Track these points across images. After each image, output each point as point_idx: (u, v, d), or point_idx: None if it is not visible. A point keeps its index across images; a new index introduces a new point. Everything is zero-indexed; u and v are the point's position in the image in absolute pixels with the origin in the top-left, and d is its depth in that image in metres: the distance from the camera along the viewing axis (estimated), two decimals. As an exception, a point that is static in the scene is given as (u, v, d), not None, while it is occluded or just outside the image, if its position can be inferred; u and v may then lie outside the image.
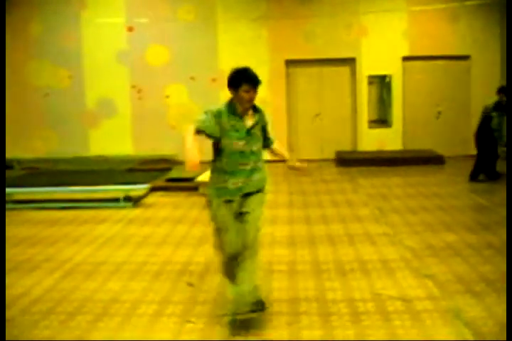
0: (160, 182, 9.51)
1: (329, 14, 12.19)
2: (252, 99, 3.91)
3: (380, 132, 12.63)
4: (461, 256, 5.21)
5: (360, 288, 4.45)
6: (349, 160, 11.67)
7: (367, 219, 6.85)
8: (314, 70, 12.66)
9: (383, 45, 12.26)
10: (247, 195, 3.95)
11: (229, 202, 3.89)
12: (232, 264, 3.87)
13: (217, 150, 3.94)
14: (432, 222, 6.59)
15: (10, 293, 4.56)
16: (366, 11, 12.17)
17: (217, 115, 3.85)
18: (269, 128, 4.14)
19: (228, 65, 12.23)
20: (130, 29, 12.51)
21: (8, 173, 11.56)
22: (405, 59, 12.34)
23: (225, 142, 3.88)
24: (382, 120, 13.01)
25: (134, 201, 8.14)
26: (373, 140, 12.54)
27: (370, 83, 12.61)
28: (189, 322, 3.86)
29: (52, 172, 11.52)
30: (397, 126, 12.56)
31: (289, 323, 3.80)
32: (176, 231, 6.46)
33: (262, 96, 12.38)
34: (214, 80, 11.82)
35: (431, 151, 12.00)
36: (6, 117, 12.72)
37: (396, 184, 9.40)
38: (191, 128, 3.74)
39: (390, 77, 12.46)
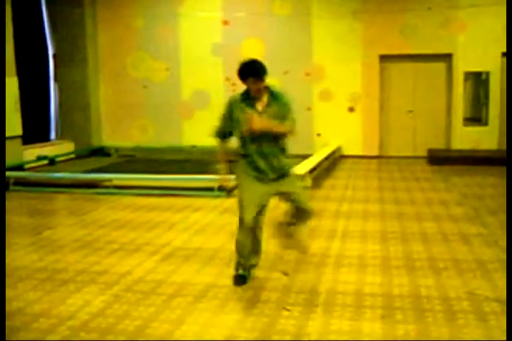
0: (251, 173, 9.68)
1: (426, 8, 11.94)
2: (259, 89, 4.22)
3: (475, 130, 12.27)
4: (562, 261, 5.05)
5: (454, 287, 4.41)
6: (442, 158, 11.43)
7: (461, 219, 6.74)
8: (409, 66, 12.47)
9: (482, 40, 11.86)
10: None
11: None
12: None
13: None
14: (530, 225, 6.39)
15: (115, 271, 4.87)
16: (465, 4, 11.82)
17: (229, 109, 4.33)
18: (290, 116, 4.35)
19: (322, 59, 12.47)
20: (225, 23, 12.76)
21: (106, 160, 12.17)
22: (505, 55, 11.90)
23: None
24: (476, 118, 12.62)
25: (228, 191, 8.35)
26: (468, 138, 12.21)
27: (465, 80, 12.27)
28: (285, 309, 3.98)
29: (148, 160, 11.99)
30: (493, 124, 12.16)
31: (383, 316, 3.84)
32: (268, 222, 6.58)
33: (355, 91, 12.49)
34: (308, 74, 11.87)
35: (529, 152, 11.55)
36: (95, 108, 13.34)
37: (491, 184, 9.15)
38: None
39: (487, 73, 12.08)
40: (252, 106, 4.27)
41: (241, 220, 4.36)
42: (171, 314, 3.92)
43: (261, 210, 4.43)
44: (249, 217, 4.29)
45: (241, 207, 4.35)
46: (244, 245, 4.48)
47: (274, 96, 4.32)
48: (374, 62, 12.35)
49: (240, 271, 4.58)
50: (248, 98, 4.29)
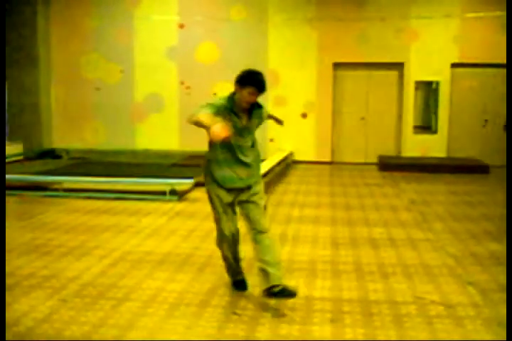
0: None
1: (380, 18, 12.18)
2: (251, 102, 4.08)
3: (424, 138, 12.57)
4: (505, 266, 5.19)
5: (402, 291, 4.50)
6: (392, 165, 11.66)
7: (409, 225, 6.88)
8: (362, 74, 12.68)
9: (433, 50, 12.19)
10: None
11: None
12: None
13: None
14: (476, 230, 6.58)
15: (63, 275, 4.78)
16: (418, 15, 12.12)
17: (218, 110, 3.98)
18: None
19: (277, 65, 12.55)
20: (181, 26, 12.72)
21: (57, 162, 11.91)
22: (455, 65, 12.25)
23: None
24: (426, 126, 12.94)
25: (180, 195, 8.32)
26: (417, 146, 12.49)
27: (416, 88, 12.57)
28: (235, 314, 3.98)
29: (99, 163, 11.80)
30: (442, 132, 12.48)
31: (333, 320, 3.89)
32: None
33: (309, 97, 12.62)
34: (262, 80, 11.92)
35: (476, 160, 11.90)
36: (46, 109, 13.11)
37: (439, 191, 9.37)
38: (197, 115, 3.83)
39: (437, 83, 12.39)
40: (239, 117, 4.09)
41: (221, 232, 4.30)
42: (120, 319, 3.87)
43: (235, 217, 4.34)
44: (227, 226, 4.26)
45: (217, 219, 4.30)
46: (233, 257, 4.42)
47: (256, 110, 4.18)
48: (328, 70, 12.51)
49: (239, 277, 4.52)
50: (234, 107, 4.08)
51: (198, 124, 3.74)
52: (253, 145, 4.26)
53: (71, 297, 4.27)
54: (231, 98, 4.11)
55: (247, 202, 4.21)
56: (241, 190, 4.22)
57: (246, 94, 4.02)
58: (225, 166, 4.16)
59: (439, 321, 3.90)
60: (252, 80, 4.03)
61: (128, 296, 4.32)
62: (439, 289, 4.56)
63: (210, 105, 4.01)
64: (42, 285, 4.52)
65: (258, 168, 4.36)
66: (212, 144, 4.16)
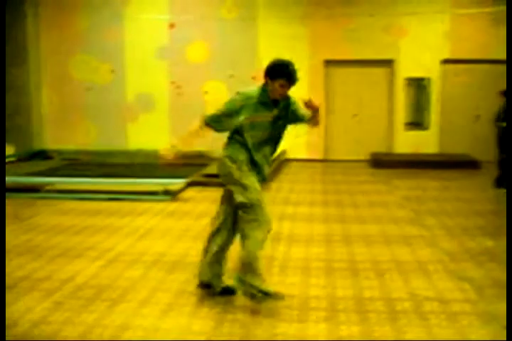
0: (197, 177, 9.63)
1: (369, 15, 12.19)
2: (284, 94, 4.02)
3: (416, 134, 12.60)
4: (499, 262, 5.22)
5: (396, 288, 4.52)
6: (384, 162, 11.68)
7: (402, 221, 6.90)
8: (353, 71, 12.69)
9: (423, 47, 12.22)
10: None
11: None
12: None
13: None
14: (469, 226, 6.61)
15: (57, 277, 4.76)
16: (407, 12, 12.14)
17: (246, 102, 3.98)
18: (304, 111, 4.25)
19: (268, 63, 12.48)
20: (172, 26, 12.68)
21: (48, 163, 11.87)
22: (445, 62, 12.28)
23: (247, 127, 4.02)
24: (417, 123, 12.95)
25: (172, 195, 8.30)
26: (409, 142, 12.52)
27: (407, 85, 12.59)
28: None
29: (91, 164, 11.77)
30: (433, 129, 12.52)
31: (328, 318, 3.89)
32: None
33: (300, 95, 12.54)
34: (254, 78, 11.88)
35: (467, 156, 11.94)
36: (37, 110, 13.05)
37: (432, 187, 9.41)
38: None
39: (428, 79, 12.42)
40: (270, 109, 4.02)
41: (249, 202, 3.98)
42: (116, 319, 3.86)
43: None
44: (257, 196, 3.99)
45: (245, 188, 3.99)
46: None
47: (287, 101, 4.13)
48: (319, 67, 12.52)
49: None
50: (266, 99, 4.00)
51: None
52: (278, 140, 4.21)
53: (66, 298, 4.26)
54: (265, 90, 4.01)
55: None
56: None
57: (277, 86, 3.95)
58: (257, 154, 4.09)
59: (434, 317, 3.92)
60: (282, 72, 3.94)
61: (123, 297, 4.31)
62: (433, 285, 4.58)
63: (239, 96, 3.97)
64: (37, 287, 4.50)
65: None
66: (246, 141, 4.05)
